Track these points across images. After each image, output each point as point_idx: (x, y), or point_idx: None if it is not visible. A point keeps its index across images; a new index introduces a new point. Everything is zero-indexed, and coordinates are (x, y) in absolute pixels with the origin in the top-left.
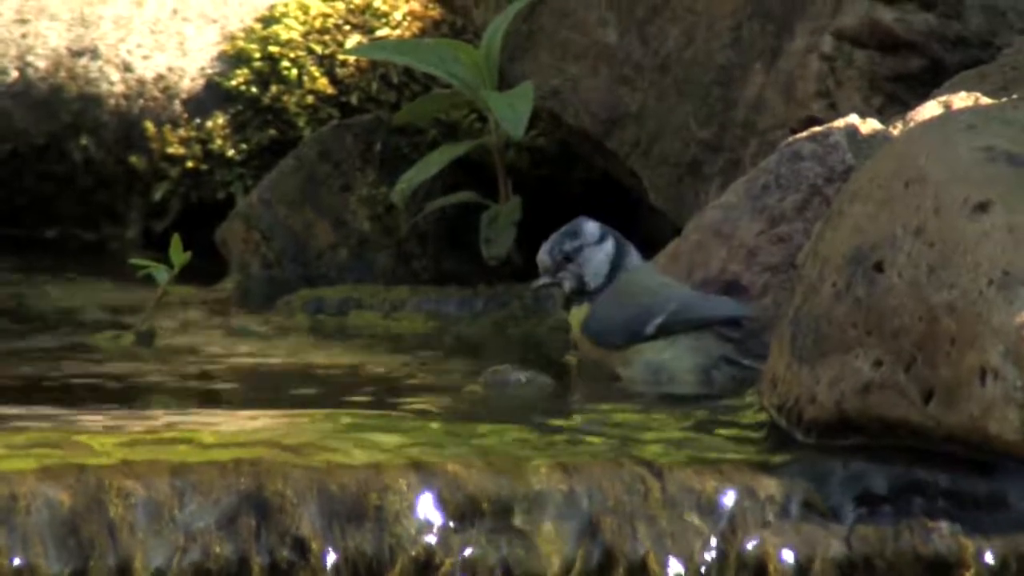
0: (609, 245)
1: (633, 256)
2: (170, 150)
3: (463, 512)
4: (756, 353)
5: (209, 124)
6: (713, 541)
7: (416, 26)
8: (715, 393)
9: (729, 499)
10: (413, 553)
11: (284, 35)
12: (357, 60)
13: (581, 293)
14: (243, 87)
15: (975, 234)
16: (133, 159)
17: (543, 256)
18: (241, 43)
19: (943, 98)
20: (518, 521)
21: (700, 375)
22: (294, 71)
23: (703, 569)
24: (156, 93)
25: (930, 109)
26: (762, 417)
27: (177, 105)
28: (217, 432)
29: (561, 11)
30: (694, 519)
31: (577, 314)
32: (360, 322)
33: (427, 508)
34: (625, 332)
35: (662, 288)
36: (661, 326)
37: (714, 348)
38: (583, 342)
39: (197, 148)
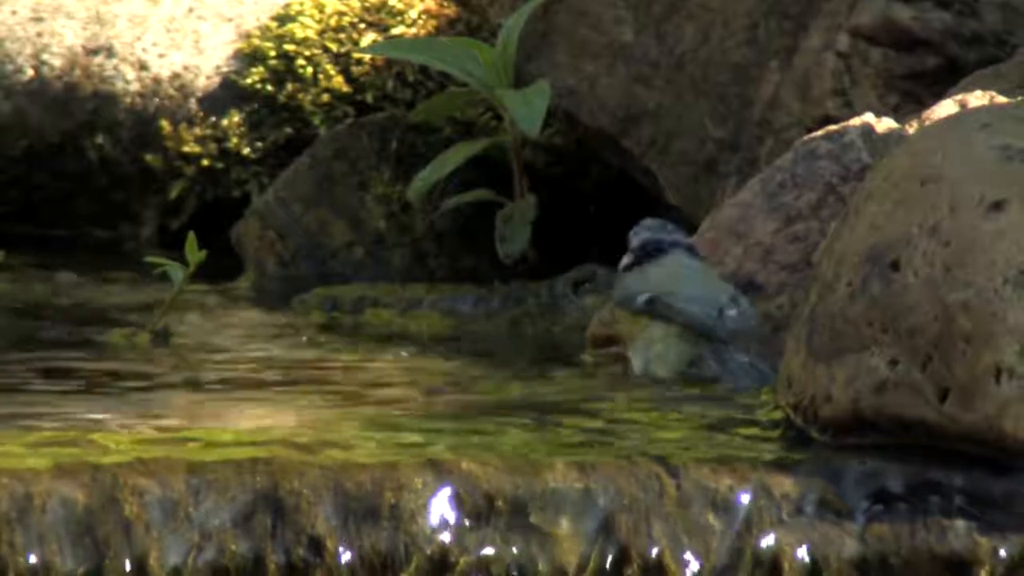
0: (626, 259)
1: (668, 256)
2: (185, 148)
3: (479, 510)
4: (738, 354)
5: (225, 122)
6: (728, 539)
7: (431, 24)
8: (730, 391)
9: (744, 497)
10: (429, 551)
11: (299, 33)
12: (372, 58)
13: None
14: (258, 85)
15: (991, 233)
16: (148, 157)
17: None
18: (256, 41)
19: (959, 96)
20: (534, 519)
21: (684, 366)
22: (309, 69)
23: (718, 567)
24: (171, 91)
25: (946, 107)
26: (777, 415)
27: (192, 103)
28: (232, 430)
29: (577, 9)
30: (709, 517)
31: None
32: (376, 320)
33: (442, 506)
34: (626, 297)
35: (672, 276)
36: (647, 301)
37: (700, 343)
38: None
39: (212, 146)
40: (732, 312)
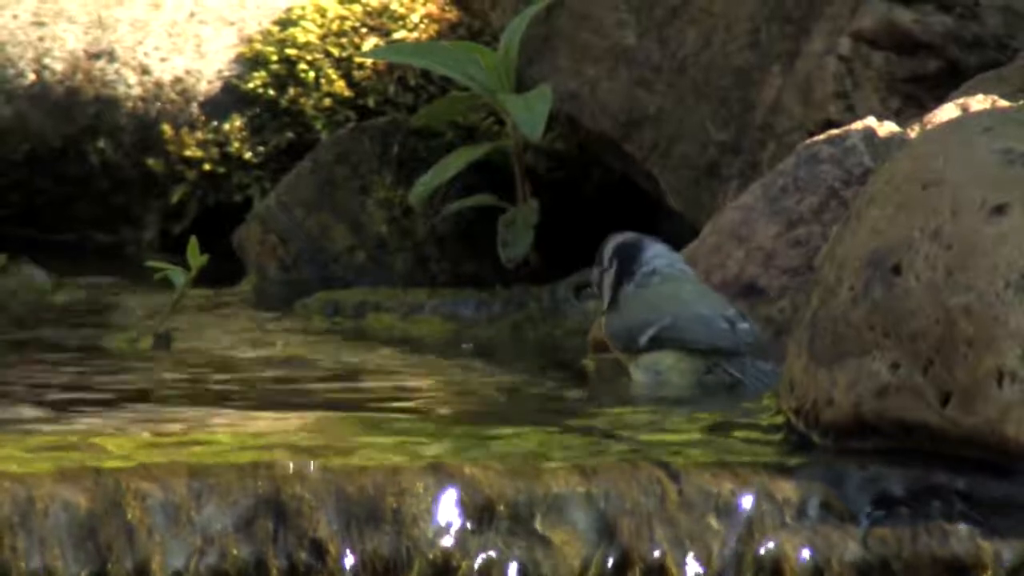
0: (610, 274)
1: (646, 268)
2: (187, 153)
3: (480, 514)
4: (746, 364)
5: (226, 127)
6: (730, 543)
7: (433, 28)
8: (731, 396)
9: (746, 501)
10: (430, 556)
11: (301, 38)
12: (374, 63)
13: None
14: (260, 90)
15: (992, 237)
16: (150, 162)
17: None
18: (258, 46)
19: (960, 100)
20: (536, 523)
21: (694, 377)
22: (311, 74)
23: (720, 571)
24: (173, 96)
25: (947, 111)
26: (779, 420)
27: (194, 108)
28: (234, 434)
29: (579, 13)
30: (711, 521)
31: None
32: (377, 324)
33: (445, 511)
34: (624, 340)
35: (667, 301)
36: (652, 339)
37: (712, 355)
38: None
39: (214, 151)
40: (744, 325)
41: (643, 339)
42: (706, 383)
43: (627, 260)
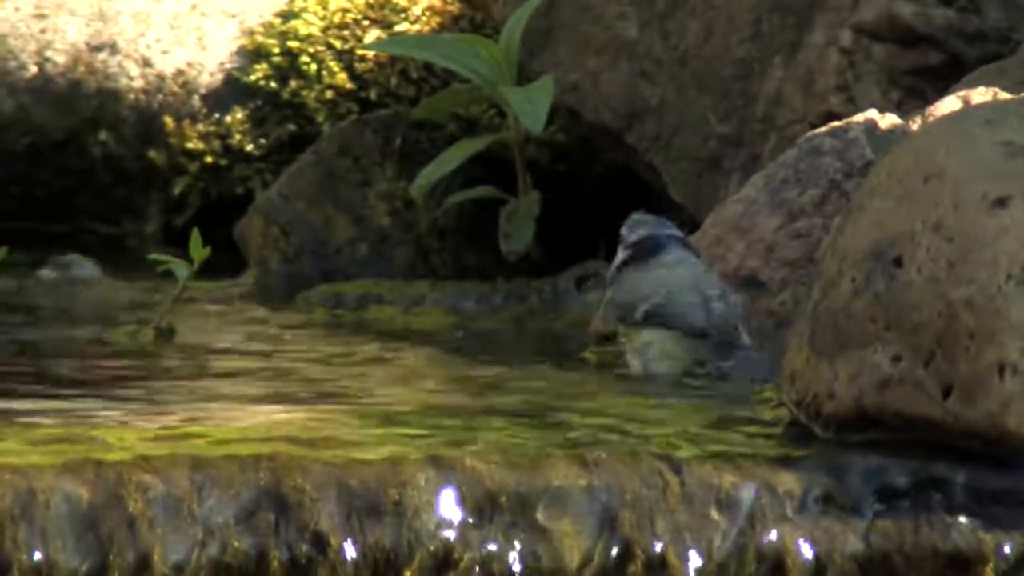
0: (621, 255)
1: (662, 254)
2: (189, 145)
3: (482, 507)
4: (748, 349)
5: (228, 119)
6: (731, 535)
7: (435, 21)
8: (732, 387)
9: (748, 493)
10: (432, 548)
11: (303, 30)
12: (376, 55)
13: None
14: (262, 82)
15: (994, 229)
16: (152, 154)
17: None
18: (260, 38)
19: (962, 93)
20: (537, 516)
21: (682, 365)
22: (313, 66)
23: (721, 563)
24: (175, 88)
25: (949, 104)
26: (781, 412)
27: (196, 100)
28: (236, 427)
29: (581, 5)
30: (713, 513)
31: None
32: (379, 317)
33: (446, 503)
34: (620, 312)
35: (664, 279)
36: (646, 313)
37: (702, 343)
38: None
39: (216, 143)
40: (719, 306)
41: (638, 313)
42: (695, 373)
43: (649, 252)
